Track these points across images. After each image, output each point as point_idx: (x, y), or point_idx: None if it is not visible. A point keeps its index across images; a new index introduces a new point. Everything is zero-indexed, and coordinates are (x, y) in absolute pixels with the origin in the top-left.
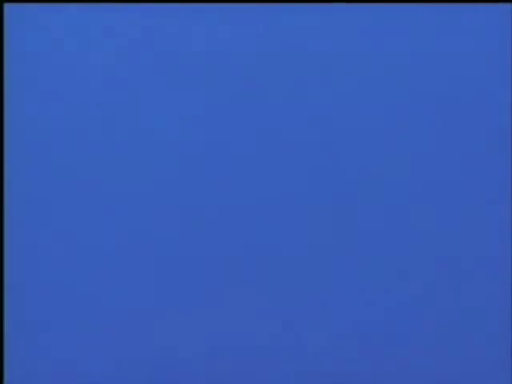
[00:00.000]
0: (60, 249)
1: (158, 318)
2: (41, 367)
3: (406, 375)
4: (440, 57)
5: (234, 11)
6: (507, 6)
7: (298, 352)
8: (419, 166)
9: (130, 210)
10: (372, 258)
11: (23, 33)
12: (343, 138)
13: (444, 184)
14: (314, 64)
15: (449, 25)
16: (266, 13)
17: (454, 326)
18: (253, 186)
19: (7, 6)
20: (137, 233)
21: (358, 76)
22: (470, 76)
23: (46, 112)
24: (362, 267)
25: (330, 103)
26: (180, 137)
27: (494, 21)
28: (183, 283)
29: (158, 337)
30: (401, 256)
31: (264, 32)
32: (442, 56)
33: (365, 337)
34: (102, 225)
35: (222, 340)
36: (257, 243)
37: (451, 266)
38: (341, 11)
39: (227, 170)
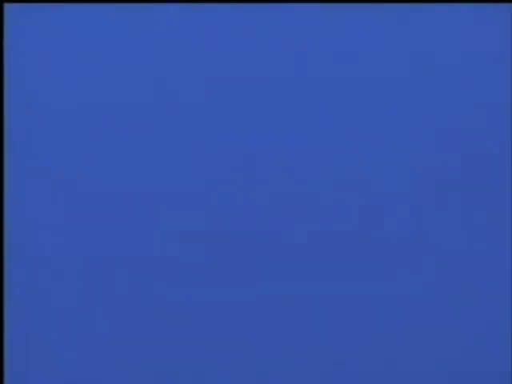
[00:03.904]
0: (60, 250)
1: (158, 321)
2: (41, 368)
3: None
4: (440, 57)
5: (233, 11)
6: (507, 6)
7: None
8: (419, 167)
9: (130, 214)
10: (376, 264)
11: (23, 33)
12: (344, 138)
13: (443, 184)
14: (314, 65)
15: (449, 25)
16: (264, 13)
17: (457, 330)
18: (252, 190)
19: (7, 6)
20: (135, 235)
21: (358, 76)
22: (470, 76)
23: (45, 112)
24: (367, 271)
25: (330, 103)
26: (180, 137)
27: (493, 21)
28: (185, 288)
29: (158, 340)
30: (405, 262)
31: (263, 33)
32: (442, 56)
33: (371, 343)
34: (101, 226)
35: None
36: (262, 247)
37: (454, 268)
38: (341, 11)
39: (228, 170)
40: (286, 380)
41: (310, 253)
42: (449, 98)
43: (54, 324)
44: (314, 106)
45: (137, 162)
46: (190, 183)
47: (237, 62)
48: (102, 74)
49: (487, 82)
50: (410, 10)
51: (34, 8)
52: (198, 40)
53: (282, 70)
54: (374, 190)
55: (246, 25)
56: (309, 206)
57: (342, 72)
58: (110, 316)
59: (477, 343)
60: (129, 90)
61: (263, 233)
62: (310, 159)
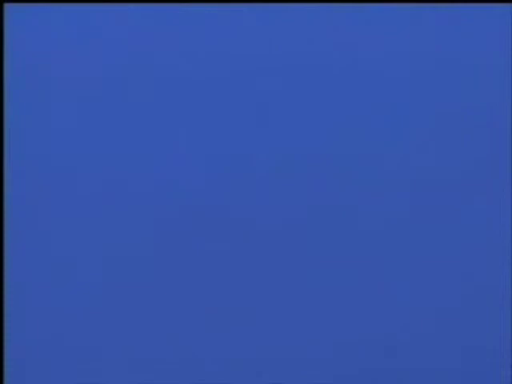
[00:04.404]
0: (59, 252)
1: (159, 321)
2: (40, 367)
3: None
4: (440, 57)
5: (233, 11)
6: (507, 5)
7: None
8: (419, 168)
9: (130, 215)
10: (372, 262)
11: (23, 33)
12: (343, 139)
13: (443, 185)
14: (313, 64)
15: (449, 25)
16: (263, 13)
17: (456, 328)
18: (252, 190)
19: (7, 6)
20: (135, 236)
21: (358, 76)
22: (470, 76)
23: (45, 112)
24: (363, 271)
25: (330, 103)
26: (180, 137)
27: (494, 21)
28: (184, 293)
29: (155, 342)
30: (404, 261)
31: (263, 32)
32: (442, 56)
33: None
34: (100, 228)
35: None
36: (258, 248)
37: (454, 268)
38: (341, 11)
39: (227, 168)
40: (286, 379)
41: (309, 252)
42: (448, 98)
43: (54, 324)
44: (314, 106)
45: (136, 162)
46: (189, 172)
47: (237, 61)
48: (103, 73)
49: (487, 82)
50: (410, 9)
51: (34, 8)
52: (198, 40)
53: (283, 70)
54: (373, 189)
55: (246, 25)
56: (308, 204)
57: (341, 72)
58: (111, 316)
59: (476, 344)
60: (129, 89)
61: (262, 228)
62: (309, 155)
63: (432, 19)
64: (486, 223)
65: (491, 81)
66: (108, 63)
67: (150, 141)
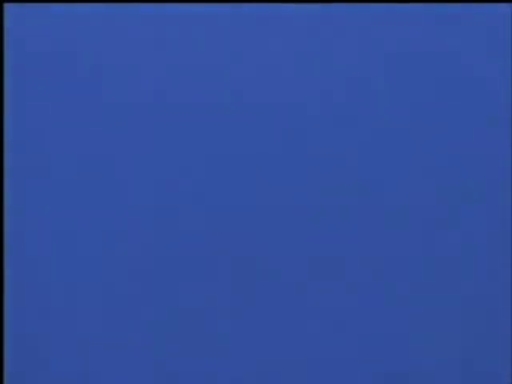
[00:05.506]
0: (59, 253)
1: (157, 324)
2: (40, 367)
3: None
4: (440, 57)
5: (233, 11)
6: (507, 5)
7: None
8: (419, 168)
9: (131, 217)
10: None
11: (23, 33)
12: (341, 139)
13: (443, 183)
14: (313, 64)
15: (449, 25)
16: (264, 13)
17: (454, 326)
18: (252, 195)
19: (7, 6)
20: (137, 238)
21: (358, 76)
22: (470, 76)
23: (45, 112)
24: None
25: (329, 102)
26: (180, 136)
27: (494, 21)
28: (185, 294)
29: (154, 344)
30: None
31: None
32: (442, 56)
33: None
34: (100, 231)
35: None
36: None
37: (454, 269)
38: (341, 11)
39: (227, 173)
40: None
41: (308, 259)
42: (448, 99)
43: (54, 325)
44: (314, 106)
45: (138, 163)
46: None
47: (238, 60)
48: (102, 73)
49: (487, 82)
50: (409, 10)
51: (34, 8)
52: (198, 41)
53: (284, 70)
54: (375, 193)
55: (247, 25)
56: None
57: (339, 72)
58: (111, 316)
59: (477, 343)
60: (129, 90)
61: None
62: (311, 164)
63: (432, 19)
64: (486, 226)
65: (491, 81)
66: (107, 63)
67: (151, 144)
